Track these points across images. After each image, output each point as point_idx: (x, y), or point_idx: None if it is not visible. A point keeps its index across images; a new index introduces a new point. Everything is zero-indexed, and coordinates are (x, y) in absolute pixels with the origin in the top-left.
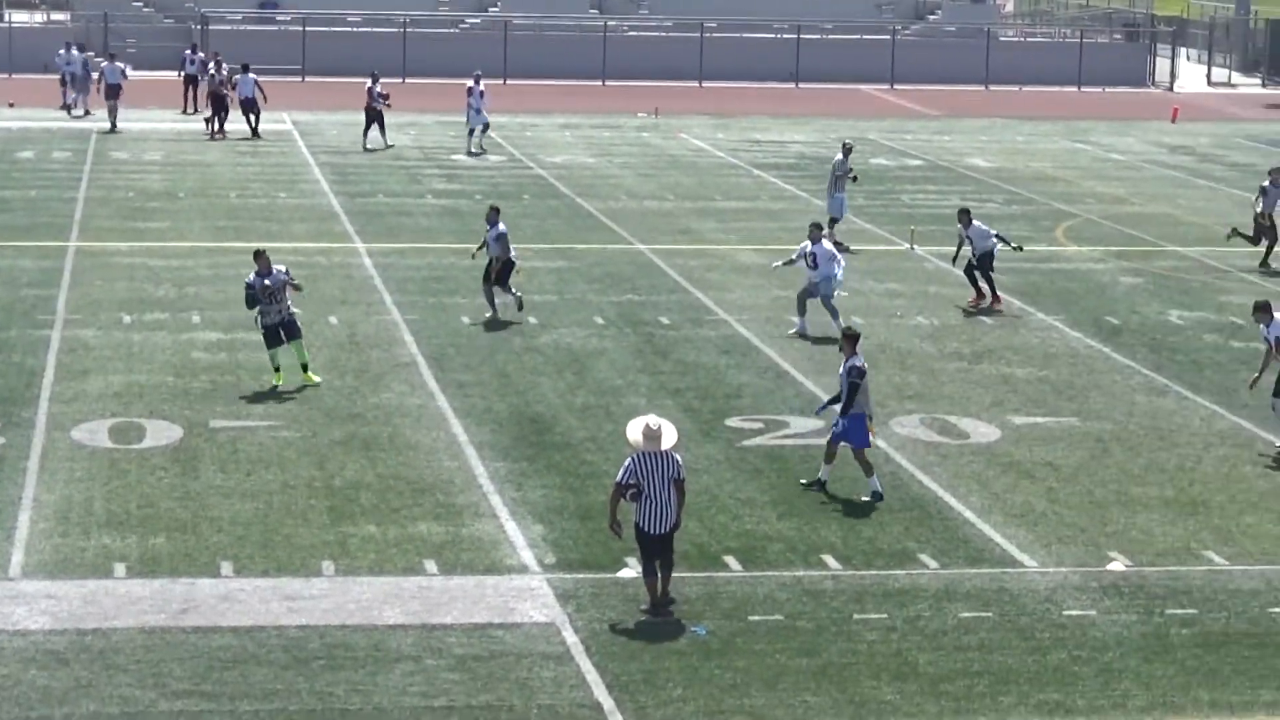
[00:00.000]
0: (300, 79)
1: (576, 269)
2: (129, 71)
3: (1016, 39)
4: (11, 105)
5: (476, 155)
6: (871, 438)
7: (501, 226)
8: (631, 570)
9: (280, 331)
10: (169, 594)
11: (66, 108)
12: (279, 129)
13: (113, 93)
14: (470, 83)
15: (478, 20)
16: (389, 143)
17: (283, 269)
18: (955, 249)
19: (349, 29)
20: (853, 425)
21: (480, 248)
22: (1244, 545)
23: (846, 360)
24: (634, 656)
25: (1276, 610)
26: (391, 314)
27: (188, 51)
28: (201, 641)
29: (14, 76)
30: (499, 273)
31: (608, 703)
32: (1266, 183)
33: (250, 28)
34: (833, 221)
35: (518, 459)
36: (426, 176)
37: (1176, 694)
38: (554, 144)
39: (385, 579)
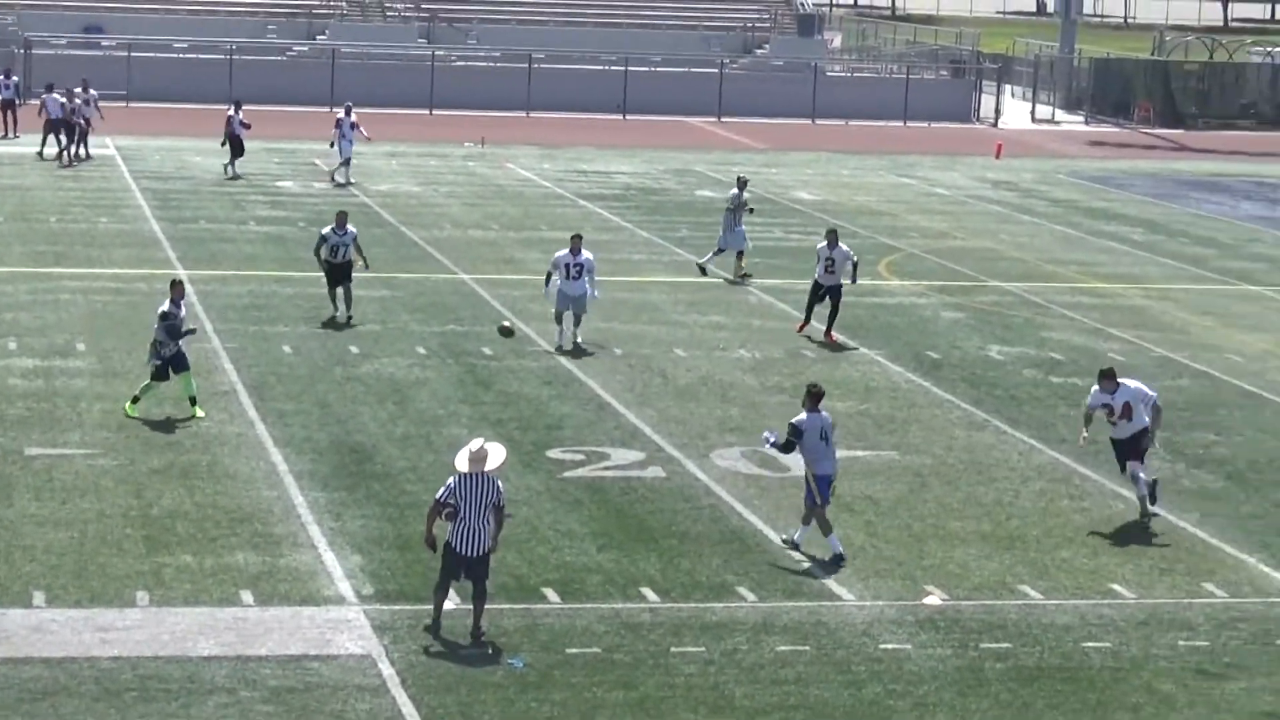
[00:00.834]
0: (125, 104)
1: (399, 298)
2: None
3: (844, 74)
4: None
5: (342, 186)
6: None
7: (352, 229)
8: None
9: (170, 367)
10: None
11: None
12: (103, 154)
13: None
14: (341, 113)
15: (306, 48)
16: (236, 173)
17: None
18: (819, 269)
19: (175, 55)
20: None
21: (333, 250)
22: (1059, 579)
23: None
24: (450, 689)
25: (1090, 645)
26: (212, 341)
27: (1, 75)
28: (12, 673)
29: None
30: (341, 270)
31: None
32: None
33: (75, 52)
34: (739, 255)
35: (337, 488)
36: (250, 203)
37: None
38: (380, 172)
39: (200, 609)
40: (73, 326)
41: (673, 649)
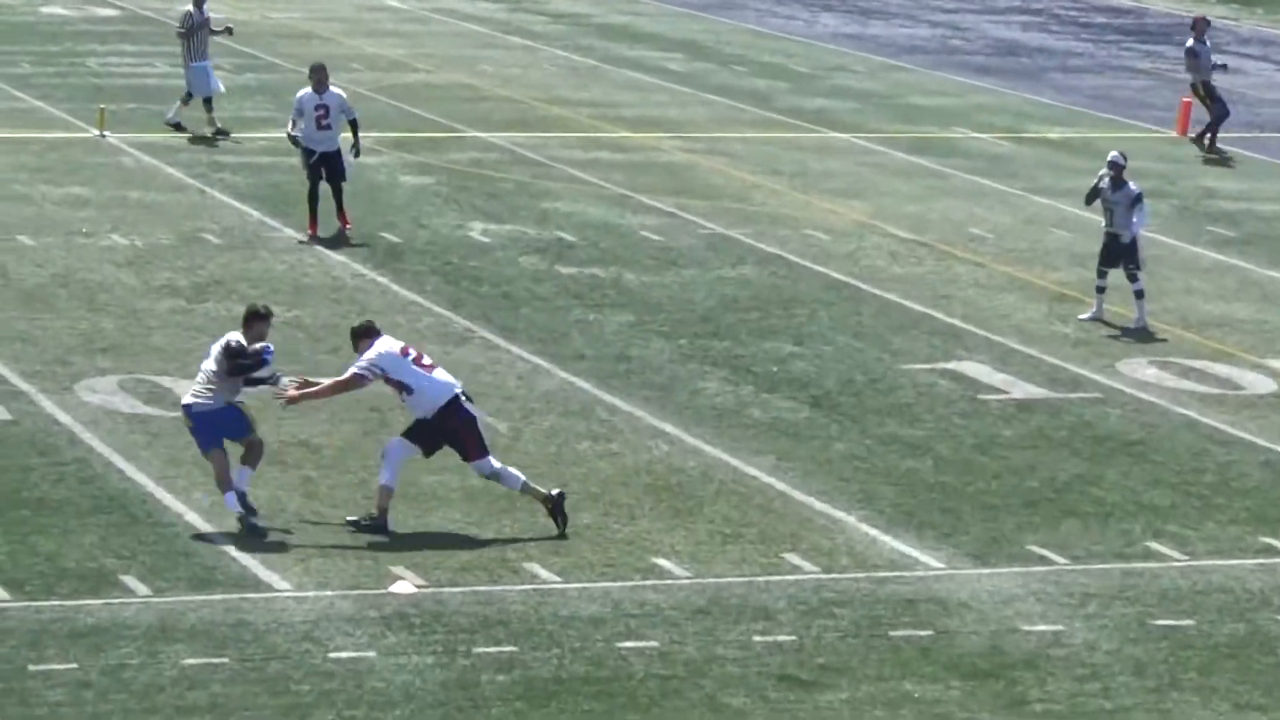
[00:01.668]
0: None
1: None
2: None
3: None
4: None
5: None
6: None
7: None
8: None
9: None
10: None
11: None
12: None
13: None
14: None
15: None
16: None
17: None
18: (290, 123)
19: None
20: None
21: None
22: (579, 554)
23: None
24: None
25: (628, 645)
26: None
27: None
28: None
29: None
30: None
31: None
32: (1190, 41)
33: None
34: (207, 101)
35: None
36: None
37: None
38: None
39: None
40: None
41: (30, 666)
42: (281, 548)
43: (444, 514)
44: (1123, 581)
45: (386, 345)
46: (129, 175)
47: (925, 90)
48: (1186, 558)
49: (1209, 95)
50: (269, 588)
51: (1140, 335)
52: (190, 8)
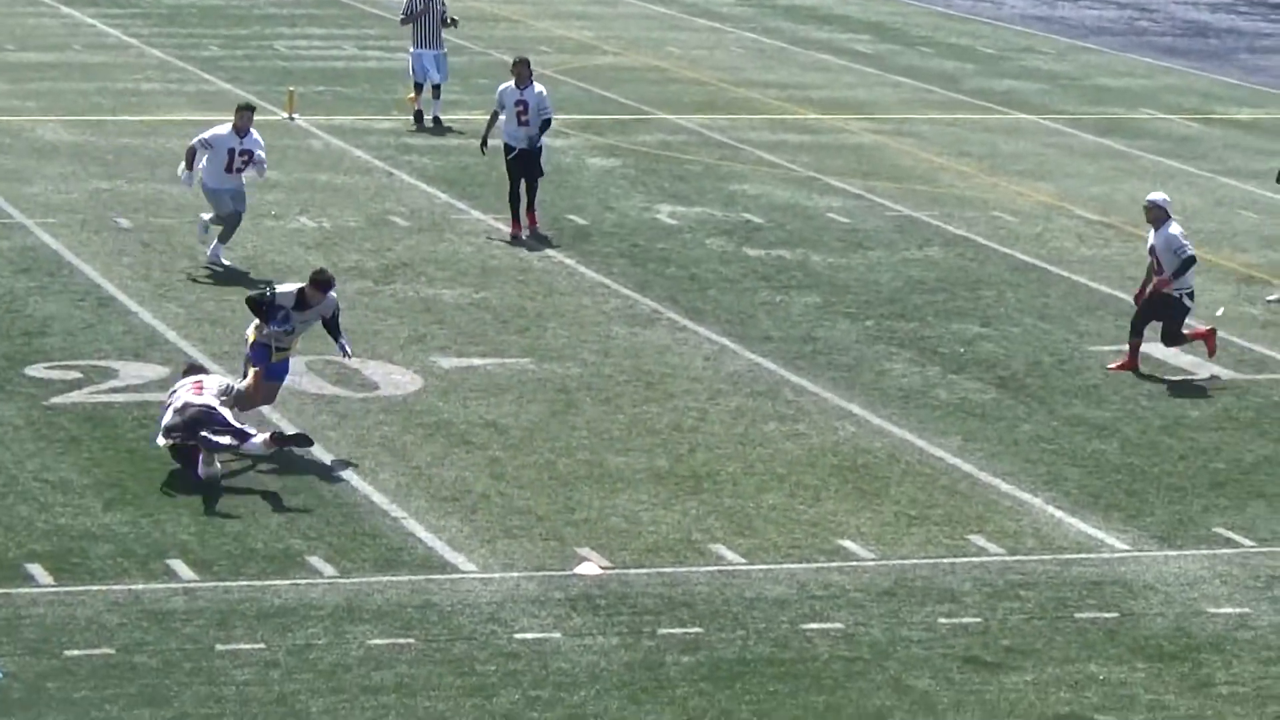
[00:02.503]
0: None
1: None
2: None
3: None
4: None
5: None
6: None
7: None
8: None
9: None
10: None
11: None
12: None
13: None
14: None
15: None
16: None
17: None
18: (488, 122)
19: None
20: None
21: None
22: (766, 535)
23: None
24: None
25: (813, 627)
26: None
27: None
28: None
29: None
30: None
31: None
32: None
33: None
34: (436, 89)
35: None
36: None
37: None
38: None
39: None
40: None
41: (218, 647)
42: (467, 529)
43: (630, 495)
44: None
45: None
46: (317, 158)
47: (1113, 71)
48: None
49: None
50: (455, 569)
51: None
52: None
